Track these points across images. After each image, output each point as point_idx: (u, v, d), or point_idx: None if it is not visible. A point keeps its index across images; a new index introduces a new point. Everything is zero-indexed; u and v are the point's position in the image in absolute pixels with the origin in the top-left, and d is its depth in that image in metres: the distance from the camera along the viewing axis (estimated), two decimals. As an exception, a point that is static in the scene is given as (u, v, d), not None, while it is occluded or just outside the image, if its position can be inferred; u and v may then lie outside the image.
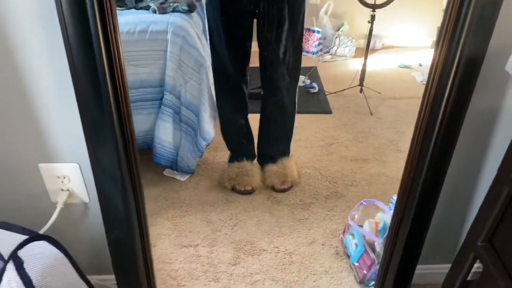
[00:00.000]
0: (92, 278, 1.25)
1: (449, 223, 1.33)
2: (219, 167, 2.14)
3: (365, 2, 2.66)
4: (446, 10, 0.77)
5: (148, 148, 2.02)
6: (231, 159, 2.04)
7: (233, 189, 1.98)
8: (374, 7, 2.64)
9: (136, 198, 1.06)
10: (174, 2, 1.99)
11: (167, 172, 2.09)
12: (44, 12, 0.91)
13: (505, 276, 0.99)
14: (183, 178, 2.07)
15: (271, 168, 1.98)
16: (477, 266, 1.15)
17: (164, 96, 1.89)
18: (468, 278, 1.20)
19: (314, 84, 3.05)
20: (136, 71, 1.85)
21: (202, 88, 1.90)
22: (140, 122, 1.92)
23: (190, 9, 1.99)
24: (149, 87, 1.89)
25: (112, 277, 1.28)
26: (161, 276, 1.54)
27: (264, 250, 1.67)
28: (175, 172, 2.06)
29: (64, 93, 1.01)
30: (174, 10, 1.96)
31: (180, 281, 1.53)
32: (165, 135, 1.92)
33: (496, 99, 1.05)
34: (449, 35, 0.78)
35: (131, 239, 1.14)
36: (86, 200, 1.19)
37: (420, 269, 1.48)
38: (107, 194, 1.08)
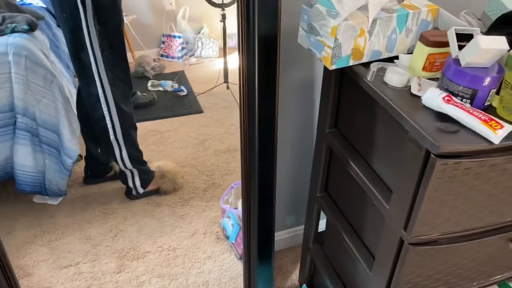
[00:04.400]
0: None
1: (301, 184, 1.50)
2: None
3: (213, 2, 2.81)
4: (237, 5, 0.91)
5: (11, 178, 1.91)
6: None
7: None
8: (222, 6, 2.80)
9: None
10: (12, 23, 1.90)
11: (37, 199, 1.99)
12: None
13: (343, 219, 1.16)
14: (56, 201, 1.99)
15: None
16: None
17: (17, 120, 1.81)
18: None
19: (183, 87, 3.12)
20: (-21, 99, 1.74)
21: (57, 105, 1.85)
22: (-6, 151, 1.81)
23: (31, 28, 1.92)
24: (-2, 114, 1.79)
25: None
26: (41, 302, 1.49)
27: (147, 252, 1.70)
28: (46, 197, 1.98)
29: None
30: (13, 31, 1.88)
31: (63, 302, 1.49)
32: (25, 160, 1.83)
33: (309, 69, 1.24)
34: (245, 20, 0.91)
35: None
36: None
37: (290, 232, 1.64)
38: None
